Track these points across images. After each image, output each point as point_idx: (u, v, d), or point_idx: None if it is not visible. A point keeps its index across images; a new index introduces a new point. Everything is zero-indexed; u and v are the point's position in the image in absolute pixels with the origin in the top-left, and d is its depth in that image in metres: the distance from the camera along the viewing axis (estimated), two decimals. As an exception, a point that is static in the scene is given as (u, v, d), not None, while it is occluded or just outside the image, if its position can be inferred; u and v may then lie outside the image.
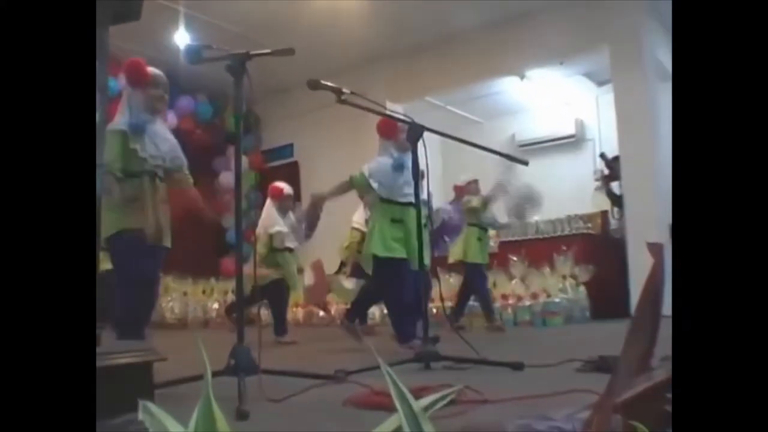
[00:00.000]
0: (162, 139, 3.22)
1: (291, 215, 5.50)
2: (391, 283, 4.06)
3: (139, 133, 3.09)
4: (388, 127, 4.08)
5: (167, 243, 3.27)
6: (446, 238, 6.10)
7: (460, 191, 6.08)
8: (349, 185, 4.14)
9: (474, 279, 5.90)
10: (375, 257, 4.05)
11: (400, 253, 4.00)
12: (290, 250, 5.44)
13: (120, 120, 3.11)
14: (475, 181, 6.06)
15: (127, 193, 3.04)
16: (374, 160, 4.14)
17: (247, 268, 4.71)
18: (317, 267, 6.96)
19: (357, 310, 4.89)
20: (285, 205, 5.48)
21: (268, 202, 5.50)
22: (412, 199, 3.65)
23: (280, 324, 5.41)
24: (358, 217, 6.09)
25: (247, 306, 5.06)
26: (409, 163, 3.54)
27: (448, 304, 5.78)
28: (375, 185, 4.03)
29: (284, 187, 5.53)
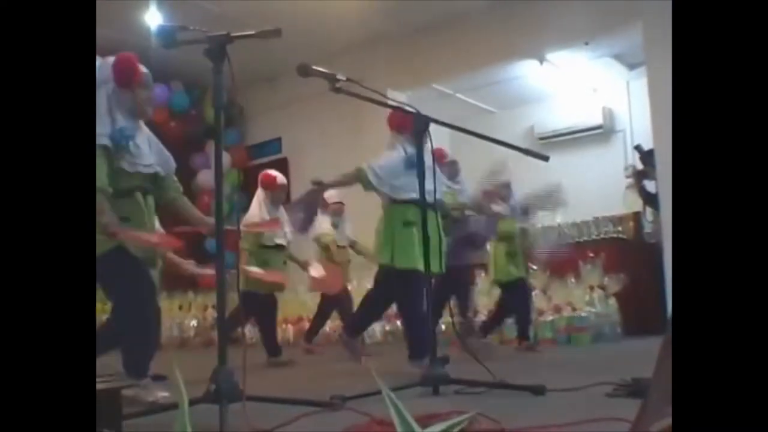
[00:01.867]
0: (147, 145, 3.22)
1: (282, 210, 5.45)
2: (405, 295, 4.16)
3: (125, 145, 3.06)
4: (400, 121, 4.17)
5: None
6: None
7: (489, 197, 5.59)
8: (355, 177, 4.22)
9: (508, 297, 5.85)
10: (386, 267, 4.18)
11: (413, 262, 4.03)
12: (281, 247, 5.41)
13: (101, 131, 3.00)
14: (508, 185, 5.78)
15: (119, 213, 3.01)
16: (383, 156, 4.24)
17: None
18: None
19: (362, 323, 4.85)
20: (277, 196, 5.45)
21: (259, 192, 5.46)
22: (427, 198, 3.61)
23: (270, 342, 5.50)
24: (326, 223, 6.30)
25: (232, 328, 5.06)
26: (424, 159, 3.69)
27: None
28: (382, 186, 4.15)
29: (277, 175, 5.52)
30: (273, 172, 5.55)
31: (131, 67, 3.17)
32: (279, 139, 10.20)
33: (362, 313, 4.77)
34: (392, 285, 4.23)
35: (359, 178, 4.19)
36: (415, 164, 3.84)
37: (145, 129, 3.29)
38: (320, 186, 4.24)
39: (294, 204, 5.08)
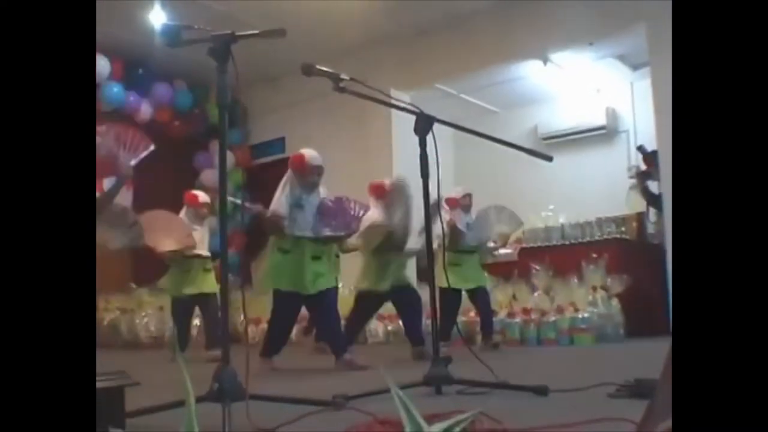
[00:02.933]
0: None
1: (206, 223, 6.31)
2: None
3: None
4: (297, 163, 4.72)
5: None
6: None
7: (455, 205, 6.10)
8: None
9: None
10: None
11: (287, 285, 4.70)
12: (200, 257, 6.17)
13: None
14: (469, 196, 6.19)
15: None
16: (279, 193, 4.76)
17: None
18: None
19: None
20: (200, 213, 6.23)
21: (184, 209, 6.23)
22: (304, 235, 4.64)
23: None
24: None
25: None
26: (309, 196, 4.66)
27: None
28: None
29: (199, 194, 6.30)
30: (196, 192, 6.38)
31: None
32: (282, 139, 10.19)
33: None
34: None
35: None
36: (302, 207, 4.60)
37: None
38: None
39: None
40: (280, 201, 4.66)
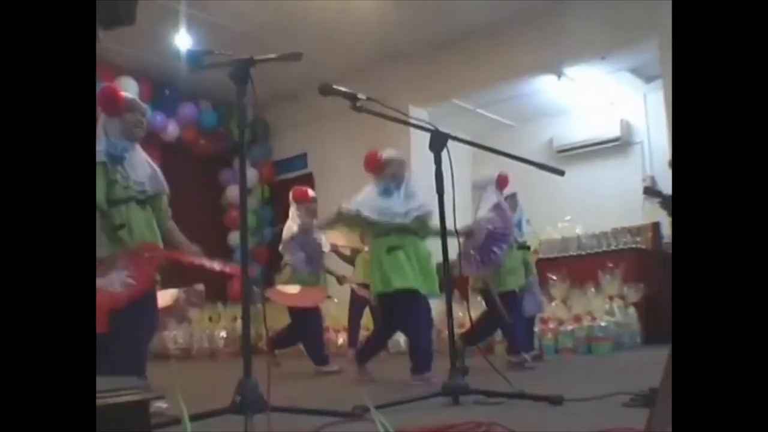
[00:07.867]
0: (142, 165, 3.42)
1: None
2: (403, 314, 4.34)
3: (119, 161, 3.29)
4: (371, 163, 4.48)
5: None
6: (496, 249, 5.53)
7: (504, 182, 5.44)
8: (336, 219, 4.50)
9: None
10: (379, 295, 4.39)
11: (405, 282, 4.23)
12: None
13: (97, 149, 3.27)
14: (513, 196, 5.54)
15: (114, 220, 3.20)
16: (362, 192, 4.48)
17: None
18: None
19: (369, 352, 4.81)
20: (311, 209, 5.53)
21: (292, 208, 5.58)
22: (408, 221, 4.28)
23: (319, 352, 5.53)
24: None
25: (285, 346, 5.84)
26: (398, 188, 4.32)
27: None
28: (367, 213, 4.32)
29: (308, 189, 5.67)
30: (303, 187, 5.72)
31: (113, 96, 3.39)
32: (305, 155, 10.24)
33: (368, 344, 4.90)
34: (389, 308, 4.42)
35: (340, 219, 4.48)
36: (389, 192, 4.34)
37: (141, 152, 3.47)
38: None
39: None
40: (362, 198, 4.42)
